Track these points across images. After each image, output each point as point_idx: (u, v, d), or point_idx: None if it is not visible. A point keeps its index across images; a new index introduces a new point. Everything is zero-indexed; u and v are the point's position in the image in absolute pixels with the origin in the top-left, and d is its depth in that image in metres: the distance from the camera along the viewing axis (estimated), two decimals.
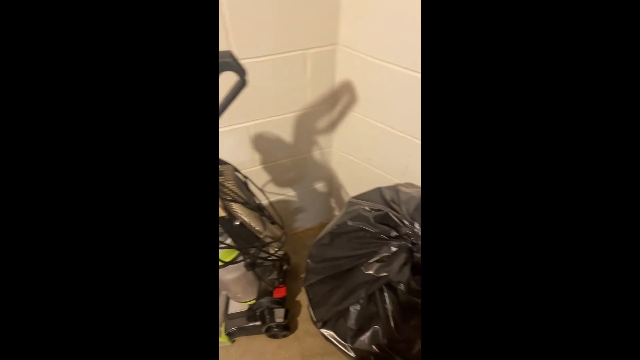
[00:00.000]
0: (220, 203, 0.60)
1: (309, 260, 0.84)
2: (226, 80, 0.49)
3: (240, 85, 0.49)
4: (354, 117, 0.91)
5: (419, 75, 0.71)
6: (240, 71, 0.48)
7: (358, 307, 0.75)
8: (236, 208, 0.62)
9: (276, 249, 0.78)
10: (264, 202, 0.85)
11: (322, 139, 1.01)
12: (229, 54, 0.48)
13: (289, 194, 1.11)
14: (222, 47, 0.68)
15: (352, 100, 0.88)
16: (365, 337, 0.74)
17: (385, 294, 0.72)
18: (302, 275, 1.13)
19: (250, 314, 0.96)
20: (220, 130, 0.81)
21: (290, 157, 0.99)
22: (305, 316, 1.04)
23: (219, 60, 0.47)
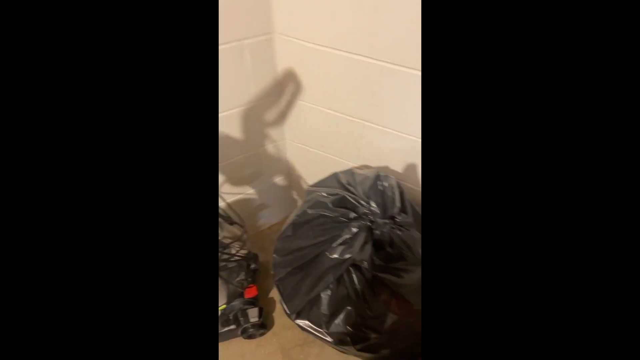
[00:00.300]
0: None
1: (275, 255, 0.83)
2: None
3: None
4: (302, 105, 0.90)
5: (359, 57, 0.72)
6: None
7: (329, 292, 0.76)
8: None
9: (238, 249, 0.76)
10: (220, 203, 0.82)
11: (273, 132, 0.99)
12: None
13: (248, 192, 1.08)
14: None
15: (297, 89, 0.87)
16: (339, 320, 0.76)
17: (353, 275, 0.74)
18: (272, 272, 1.12)
19: (224, 318, 0.93)
20: None
21: (243, 154, 0.96)
22: (280, 311, 1.04)
23: None
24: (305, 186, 1.15)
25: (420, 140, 0.78)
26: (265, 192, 1.13)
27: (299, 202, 1.26)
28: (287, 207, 1.28)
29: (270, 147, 1.02)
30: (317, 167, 1.03)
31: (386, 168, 0.90)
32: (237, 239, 0.72)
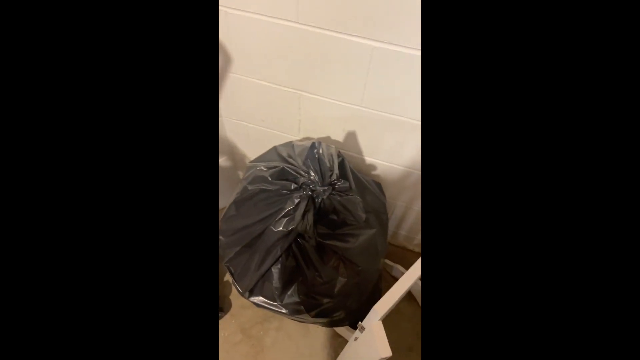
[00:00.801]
0: None
1: (221, 237, 0.80)
2: None
3: None
4: (235, 78, 0.85)
5: (295, 25, 0.68)
6: None
7: (278, 265, 0.76)
8: None
9: None
10: None
11: None
12: None
13: None
14: None
15: (226, 61, 0.82)
16: (291, 291, 0.76)
17: (300, 245, 0.75)
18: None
19: None
20: None
21: None
22: (237, 293, 1.03)
23: None
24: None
25: (358, 107, 0.79)
26: None
27: None
28: (235, 189, 1.24)
29: None
30: (260, 144, 1.00)
31: (327, 138, 0.90)
32: None
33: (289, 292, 0.77)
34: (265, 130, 0.96)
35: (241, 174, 1.19)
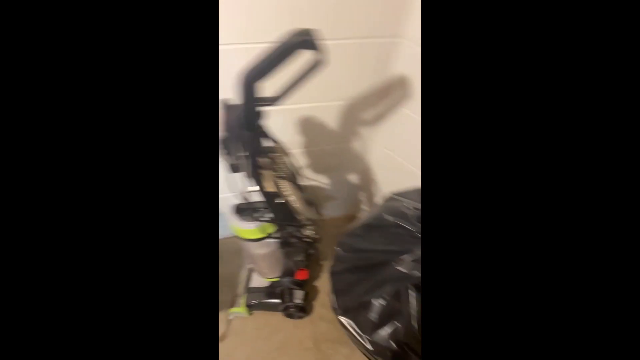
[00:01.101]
0: (270, 177, 0.61)
1: (338, 249, 0.84)
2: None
3: (316, 65, 0.49)
4: (404, 114, 0.90)
5: None
6: (318, 51, 0.48)
7: (383, 301, 0.75)
8: (284, 185, 0.63)
9: (311, 232, 0.80)
10: (304, 184, 0.86)
11: (365, 132, 1.00)
12: (308, 32, 0.47)
13: (323, 181, 1.11)
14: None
15: (405, 97, 0.87)
16: (385, 331, 0.75)
17: (412, 293, 0.72)
18: (323, 262, 1.14)
19: (271, 290, 0.99)
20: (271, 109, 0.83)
21: (329, 145, 0.99)
22: (321, 302, 1.06)
23: (298, 37, 0.46)
24: (376, 191, 1.15)
25: None
26: (336, 185, 1.15)
27: (364, 205, 1.26)
28: (351, 205, 1.29)
29: (357, 146, 1.03)
30: (395, 176, 1.02)
31: None
32: (311, 221, 0.76)
33: (381, 332, 0.75)
34: (407, 165, 0.98)
35: (362, 195, 1.23)
